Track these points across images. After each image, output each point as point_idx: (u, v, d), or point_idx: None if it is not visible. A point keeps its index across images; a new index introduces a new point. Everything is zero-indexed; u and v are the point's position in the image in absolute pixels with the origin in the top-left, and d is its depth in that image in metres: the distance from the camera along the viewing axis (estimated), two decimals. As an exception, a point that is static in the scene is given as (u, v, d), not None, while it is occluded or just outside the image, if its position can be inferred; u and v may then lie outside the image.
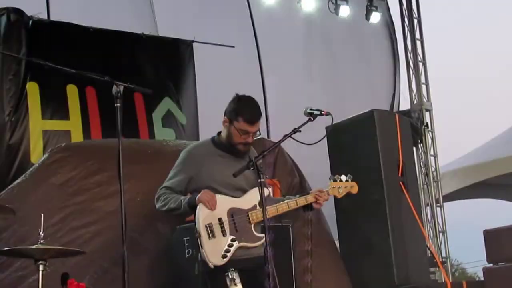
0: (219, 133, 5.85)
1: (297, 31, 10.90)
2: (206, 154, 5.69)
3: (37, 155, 8.24)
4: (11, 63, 8.32)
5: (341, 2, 10.76)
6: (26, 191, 6.86)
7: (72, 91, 8.78)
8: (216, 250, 5.44)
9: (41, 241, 4.98)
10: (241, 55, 10.29)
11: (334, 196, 5.87)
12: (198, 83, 9.76)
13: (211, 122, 9.37)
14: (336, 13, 10.76)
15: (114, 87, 5.38)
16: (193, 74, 9.77)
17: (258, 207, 5.66)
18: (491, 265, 8.32)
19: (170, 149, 7.86)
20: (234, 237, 5.53)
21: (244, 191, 5.70)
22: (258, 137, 6.24)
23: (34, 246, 4.96)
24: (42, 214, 5.09)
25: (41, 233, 5.03)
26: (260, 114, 5.74)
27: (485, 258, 8.40)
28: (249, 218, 5.63)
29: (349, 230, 8.04)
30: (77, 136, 8.72)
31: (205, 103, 9.77)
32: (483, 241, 8.42)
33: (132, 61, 9.19)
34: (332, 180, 5.82)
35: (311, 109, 5.72)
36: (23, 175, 7.24)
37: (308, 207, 5.80)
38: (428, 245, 8.73)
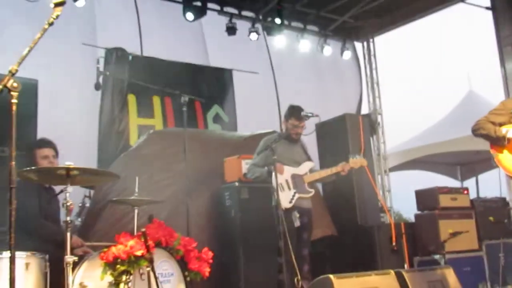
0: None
1: (298, 63, 10.83)
2: (275, 141, 5.97)
3: (134, 140, 8.31)
4: (119, 82, 8.42)
5: (325, 44, 10.77)
6: (128, 161, 6.99)
7: (156, 100, 8.86)
8: (285, 198, 5.68)
9: (136, 194, 5.08)
10: (262, 78, 10.27)
11: (351, 168, 6.10)
12: (236, 96, 9.82)
13: (245, 121, 9.62)
14: (322, 51, 10.78)
15: (182, 97, 5.72)
16: (232, 90, 9.83)
17: (308, 172, 6.14)
18: (419, 212, 8.31)
19: (217, 135, 8.09)
20: (296, 190, 5.90)
21: (299, 164, 6.08)
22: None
23: (132, 197, 5.06)
24: (137, 177, 5.17)
25: (136, 189, 5.11)
26: (303, 115, 6.15)
27: (416, 208, 8.40)
28: (303, 179, 5.91)
29: (332, 187, 8.07)
30: (159, 129, 8.74)
31: (241, 108, 9.81)
32: (415, 197, 8.44)
33: (195, 82, 9.24)
34: (351, 157, 6.06)
35: (306, 113, 6.00)
36: (126, 152, 7.43)
37: (337, 174, 6.15)
38: (379, 199, 8.80)
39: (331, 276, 4.64)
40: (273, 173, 5.67)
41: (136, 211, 5.09)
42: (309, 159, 6.33)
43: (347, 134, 8.06)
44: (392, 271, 5.06)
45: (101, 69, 7.11)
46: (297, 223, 5.77)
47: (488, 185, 9.36)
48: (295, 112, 6.19)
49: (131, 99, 8.63)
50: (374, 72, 11.55)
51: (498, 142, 4.92)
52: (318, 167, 6.86)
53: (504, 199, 9.18)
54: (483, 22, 10.84)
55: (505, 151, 4.91)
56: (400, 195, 11.27)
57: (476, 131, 5.06)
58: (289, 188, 5.94)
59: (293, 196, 5.91)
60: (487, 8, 10.46)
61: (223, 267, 6.31)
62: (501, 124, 4.93)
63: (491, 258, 8.02)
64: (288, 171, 6.05)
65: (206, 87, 9.45)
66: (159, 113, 8.87)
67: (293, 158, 6.17)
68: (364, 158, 6.22)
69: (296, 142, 6.30)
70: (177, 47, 9.37)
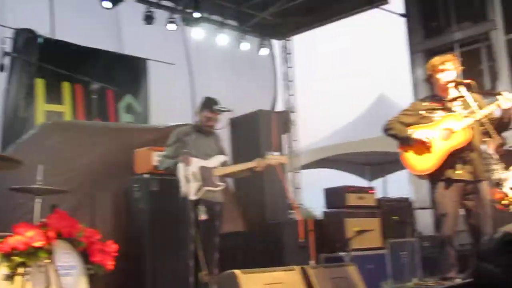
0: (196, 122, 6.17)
1: (215, 56, 10.76)
2: (187, 133, 5.88)
3: (40, 127, 8.02)
4: (27, 66, 8.10)
5: (243, 40, 10.78)
6: (29, 147, 6.73)
7: (66, 86, 8.58)
8: (191, 190, 5.57)
9: (39, 183, 4.83)
10: (178, 70, 10.14)
11: (269, 164, 5.86)
12: (150, 86, 9.65)
13: (158, 112, 9.47)
14: (239, 47, 10.77)
15: (92, 85, 5.55)
16: (146, 80, 9.67)
17: (220, 166, 5.95)
18: (327, 210, 8.44)
19: (128, 127, 7.92)
20: (202, 183, 5.74)
21: (210, 156, 5.91)
22: None
23: (35, 186, 4.80)
24: (41, 166, 4.93)
25: (38, 177, 4.87)
26: (218, 107, 6.02)
27: (324, 205, 8.53)
28: (213, 172, 5.82)
29: (243, 183, 8.06)
30: (67, 116, 8.52)
31: (155, 99, 9.65)
32: (324, 195, 8.55)
33: (107, 69, 8.99)
34: (269, 154, 5.98)
35: (220, 107, 5.97)
36: (21, 139, 7.13)
37: (251, 170, 5.95)
38: (288, 195, 8.88)
39: (236, 271, 4.64)
40: (179, 165, 5.61)
41: (36, 200, 4.84)
42: (222, 152, 6.26)
43: (259, 131, 8.10)
44: (297, 267, 5.12)
45: (8, 50, 6.82)
46: (202, 217, 5.64)
47: (395, 186, 9.68)
48: (209, 104, 6.10)
49: (40, 83, 8.33)
50: (289, 70, 11.68)
51: (405, 142, 5.11)
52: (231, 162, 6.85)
53: (408, 199, 9.51)
54: (397, 29, 11.19)
55: (412, 151, 5.11)
56: (310, 193, 11.42)
57: (387, 131, 5.26)
58: (195, 180, 5.79)
59: (199, 188, 5.74)
60: (401, 15, 10.81)
61: (129, 260, 6.16)
62: (410, 125, 5.14)
63: (394, 256, 8.28)
64: (197, 163, 5.92)
65: (119, 76, 9.21)
66: (68, 100, 8.62)
67: (204, 151, 6.07)
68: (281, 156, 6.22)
69: (209, 134, 6.21)
70: (91, 33, 9.10)
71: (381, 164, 14.28)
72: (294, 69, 11.68)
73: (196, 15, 9.47)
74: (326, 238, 8.03)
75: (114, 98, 9.02)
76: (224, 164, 6.14)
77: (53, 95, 8.44)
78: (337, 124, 14.38)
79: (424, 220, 10.54)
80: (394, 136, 5.23)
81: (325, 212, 8.45)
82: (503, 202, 6.25)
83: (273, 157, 5.93)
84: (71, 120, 8.34)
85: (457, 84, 5.12)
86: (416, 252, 8.62)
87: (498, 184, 6.94)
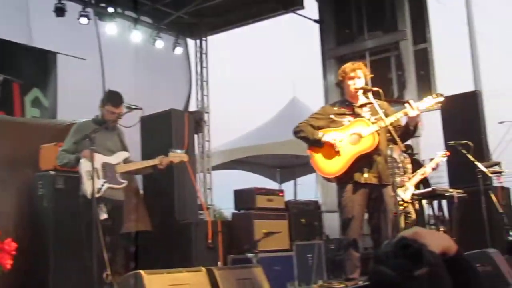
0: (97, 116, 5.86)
1: (129, 53, 10.59)
2: (88, 128, 5.57)
3: None
4: None
5: (157, 38, 10.67)
6: None
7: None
8: (91, 188, 5.35)
9: None
10: (89, 65, 9.88)
11: (171, 162, 5.86)
12: (59, 80, 9.36)
13: (67, 107, 9.19)
14: (154, 44, 10.66)
15: (-3, 77, 5.30)
16: (55, 74, 9.39)
17: (122, 162, 5.73)
18: (237, 211, 8.46)
19: (34, 122, 7.63)
20: (105, 180, 5.50)
21: (113, 153, 5.71)
22: None
23: None
24: None
25: None
26: (122, 101, 5.78)
27: (234, 206, 8.55)
28: (115, 169, 5.66)
29: (152, 181, 7.95)
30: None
31: (63, 94, 9.37)
32: (234, 196, 8.57)
33: (14, 62, 8.67)
34: (171, 151, 5.89)
35: (129, 105, 5.81)
36: None
37: (155, 168, 5.87)
38: (199, 196, 8.81)
39: (141, 271, 4.56)
40: (81, 160, 5.45)
41: None
42: (125, 149, 6.08)
43: (171, 130, 7.97)
44: (203, 268, 5.09)
45: None
46: (102, 215, 5.49)
47: (305, 188, 9.85)
48: (112, 98, 5.88)
49: None
50: (204, 70, 11.65)
51: (315, 144, 5.20)
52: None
53: (316, 202, 9.69)
54: (311, 34, 11.39)
55: (321, 154, 5.20)
56: (221, 194, 11.46)
57: (297, 133, 5.34)
58: (98, 177, 5.58)
59: (102, 185, 5.56)
60: (315, 21, 11.01)
61: (31, 258, 5.95)
62: (319, 128, 5.24)
63: (301, 258, 8.38)
64: (99, 159, 5.74)
65: (26, 69, 8.89)
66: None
67: (106, 147, 5.86)
68: (186, 154, 6.17)
69: (112, 129, 6.01)
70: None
71: (292, 167, 14.49)
72: (208, 70, 11.67)
73: (110, 9, 9.27)
74: (234, 239, 8.02)
75: (21, 91, 8.69)
76: (126, 160, 5.98)
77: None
78: (250, 126, 14.52)
79: (331, 223, 10.77)
80: (304, 139, 5.33)
81: (234, 214, 8.45)
82: (401, 207, 6.47)
83: (175, 155, 5.88)
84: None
85: (366, 91, 5.26)
86: (322, 254, 8.76)
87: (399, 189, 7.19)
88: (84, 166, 5.46)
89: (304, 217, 8.75)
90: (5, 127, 6.87)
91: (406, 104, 5.11)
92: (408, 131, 5.20)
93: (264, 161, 14.01)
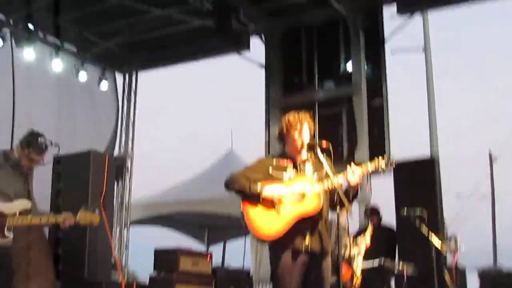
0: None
1: (48, 83, 10.44)
2: None
3: None
4: None
5: (81, 68, 10.60)
6: None
7: None
8: None
9: None
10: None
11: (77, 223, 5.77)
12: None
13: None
14: (77, 76, 10.56)
15: None
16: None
17: (18, 214, 5.49)
18: (155, 274, 8.27)
19: None
20: None
21: (11, 199, 5.51)
22: None
23: None
24: None
25: None
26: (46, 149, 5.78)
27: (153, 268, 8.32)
28: (6, 220, 5.45)
29: (61, 233, 7.67)
30: None
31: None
32: (154, 256, 8.38)
33: None
34: (83, 209, 5.75)
35: (46, 140, 5.71)
36: None
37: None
38: (113, 254, 8.62)
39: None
40: None
41: None
42: (28, 196, 5.86)
43: (89, 174, 7.83)
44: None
45: None
46: None
47: (235, 253, 9.76)
48: (36, 144, 5.75)
49: None
50: (132, 109, 11.56)
51: (251, 199, 5.08)
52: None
53: (248, 272, 9.59)
54: (255, 79, 11.50)
55: (257, 210, 5.08)
56: (139, 253, 11.25)
57: (230, 185, 5.18)
58: None
59: None
60: (261, 65, 11.11)
61: None
62: (256, 181, 5.12)
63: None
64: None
65: None
66: None
67: (5, 190, 5.67)
68: (98, 214, 6.01)
69: (21, 173, 5.85)
70: None
71: (223, 228, 14.40)
72: (136, 109, 11.61)
73: (30, 27, 9.15)
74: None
75: None
76: (24, 212, 5.74)
77: None
78: (178, 178, 14.37)
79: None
80: (239, 191, 5.18)
81: (152, 277, 8.24)
82: (353, 280, 6.48)
83: (86, 216, 5.73)
84: None
85: (312, 146, 5.25)
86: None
87: (348, 260, 7.22)
88: None
89: (232, 286, 8.66)
90: None
91: (348, 168, 5.10)
92: (348, 195, 5.19)
93: (192, 219, 13.87)
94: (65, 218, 5.61)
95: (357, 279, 7.05)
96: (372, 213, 8.21)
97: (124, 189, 11.13)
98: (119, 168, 10.45)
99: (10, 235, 5.49)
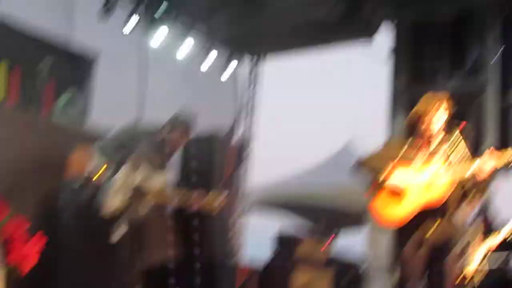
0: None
1: (174, 65, 10.76)
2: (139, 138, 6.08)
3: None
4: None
5: (207, 52, 10.85)
6: None
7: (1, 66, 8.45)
8: (114, 203, 5.70)
9: None
10: (133, 72, 10.14)
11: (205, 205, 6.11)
12: (95, 85, 9.61)
13: (100, 113, 9.38)
14: (202, 61, 10.84)
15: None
16: (91, 78, 9.62)
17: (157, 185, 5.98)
18: (274, 258, 8.47)
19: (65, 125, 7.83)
20: (132, 199, 5.82)
21: (152, 171, 6.00)
22: None
23: None
24: None
25: None
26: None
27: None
28: (146, 194, 5.84)
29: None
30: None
31: (97, 99, 9.61)
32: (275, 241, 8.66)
33: (51, 60, 8.85)
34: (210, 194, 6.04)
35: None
36: None
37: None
38: (235, 237, 8.80)
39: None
40: (122, 170, 5.58)
41: None
42: (167, 174, 6.25)
43: (213, 157, 8.02)
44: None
45: None
46: (117, 236, 5.61)
47: (349, 245, 9.74)
48: (182, 125, 6.17)
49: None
50: (254, 95, 11.70)
51: (376, 185, 5.17)
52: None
53: (364, 262, 9.59)
54: (380, 68, 11.37)
55: (382, 197, 5.16)
56: (255, 238, 11.40)
57: (358, 169, 5.30)
58: (125, 193, 5.68)
59: (127, 203, 5.64)
60: (388, 54, 10.98)
61: (41, 273, 6.11)
62: (386, 164, 5.18)
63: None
64: (139, 176, 5.88)
65: (61, 69, 9.15)
66: (1, 82, 8.51)
67: (146, 165, 6.04)
68: (224, 198, 6.30)
69: (164, 151, 6.24)
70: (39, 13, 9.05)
71: (338, 218, 14.39)
72: (259, 95, 11.74)
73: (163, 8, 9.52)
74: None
75: (55, 90, 8.94)
76: (163, 188, 6.10)
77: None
78: (297, 166, 14.43)
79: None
80: (366, 177, 5.27)
81: (272, 261, 8.46)
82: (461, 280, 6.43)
83: (212, 198, 6.07)
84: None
85: (447, 128, 5.21)
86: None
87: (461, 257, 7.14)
88: (122, 177, 5.61)
89: (350, 274, 8.70)
90: (33, 128, 7.09)
91: (484, 154, 5.02)
92: (477, 186, 5.14)
93: (309, 207, 13.94)
94: (196, 199, 5.92)
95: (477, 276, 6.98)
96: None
97: (244, 175, 11.29)
98: (240, 153, 10.66)
99: (146, 207, 5.86)
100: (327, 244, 8.77)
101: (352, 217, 13.24)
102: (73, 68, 9.30)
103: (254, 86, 11.76)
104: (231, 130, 11.56)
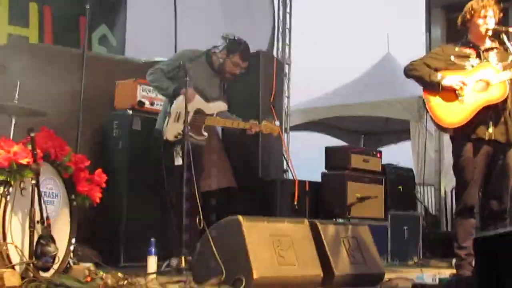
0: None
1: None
2: (198, 63, 5.93)
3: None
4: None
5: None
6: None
7: (33, 7, 8.43)
8: (173, 129, 5.48)
9: (16, 101, 4.60)
10: (161, 3, 10.06)
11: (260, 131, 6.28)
12: (128, 18, 9.54)
13: (135, 47, 9.36)
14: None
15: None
16: (124, 12, 9.56)
17: (215, 115, 5.92)
18: (327, 171, 8.41)
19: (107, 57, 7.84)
20: (189, 128, 5.66)
21: (210, 100, 5.85)
22: None
23: (11, 103, 4.53)
24: (18, 82, 4.75)
25: (16, 95, 4.65)
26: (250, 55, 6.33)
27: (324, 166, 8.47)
28: (204, 120, 5.82)
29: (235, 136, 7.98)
30: (33, 40, 8.38)
31: (132, 33, 9.55)
32: (324, 154, 8.51)
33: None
34: (265, 120, 6.06)
35: (227, 34, 5.97)
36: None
37: (244, 130, 6.18)
38: (285, 154, 8.87)
39: (239, 217, 4.68)
40: (180, 97, 5.58)
41: (13, 121, 4.59)
42: (224, 99, 6.25)
43: (259, 75, 8.01)
44: (306, 220, 5.18)
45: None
46: (177, 161, 5.64)
47: (392, 160, 9.75)
48: (243, 49, 6.10)
49: (3, 2, 8.13)
50: (287, 15, 11.58)
51: (431, 88, 5.13)
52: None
53: (411, 170, 9.63)
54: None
55: (438, 99, 5.13)
56: (296, 156, 11.42)
57: (409, 72, 5.26)
58: (183, 122, 5.67)
59: (182, 132, 5.64)
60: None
61: (103, 202, 6.21)
62: (436, 69, 5.15)
63: (396, 230, 8.40)
64: (196, 103, 5.88)
65: (94, 4, 9.08)
66: (35, 23, 8.48)
67: (206, 91, 6.03)
68: (276, 124, 6.37)
69: (222, 77, 6.22)
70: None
71: (378, 134, 14.39)
72: (292, 15, 11.58)
73: None
74: (323, 202, 8.06)
75: (88, 27, 8.92)
76: (221, 114, 6.13)
77: (18, 16, 8.28)
78: (334, 84, 14.32)
79: (426, 198, 10.75)
80: (419, 79, 5.21)
81: (324, 174, 8.38)
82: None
83: (268, 126, 6.09)
84: (39, 43, 8.24)
85: (498, 32, 5.15)
86: (420, 228, 8.76)
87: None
88: (178, 105, 5.59)
89: (401, 185, 8.74)
90: (77, 62, 7.07)
91: None
92: None
93: (348, 124, 13.94)
94: (252, 125, 5.98)
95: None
96: None
97: (284, 95, 11.27)
98: (280, 73, 10.59)
99: (205, 134, 5.88)
100: (379, 154, 8.68)
101: (390, 132, 13.31)
102: (104, 3, 9.24)
103: (287, 5, 11.59)
104: (268, 50, 11.49)
